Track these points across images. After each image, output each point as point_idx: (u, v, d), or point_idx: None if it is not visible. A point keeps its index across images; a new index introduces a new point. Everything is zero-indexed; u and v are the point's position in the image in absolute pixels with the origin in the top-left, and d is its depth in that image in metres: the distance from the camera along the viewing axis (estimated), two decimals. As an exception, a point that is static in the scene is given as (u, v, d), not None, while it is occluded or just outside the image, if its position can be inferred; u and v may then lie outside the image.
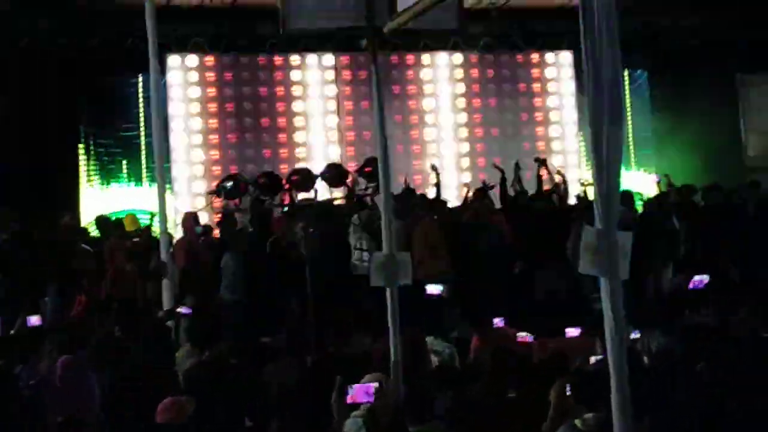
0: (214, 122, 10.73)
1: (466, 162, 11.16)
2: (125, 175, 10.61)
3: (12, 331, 6.19)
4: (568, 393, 3.90)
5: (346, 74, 10.86)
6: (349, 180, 8.31)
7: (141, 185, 10.53)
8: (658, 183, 9.65)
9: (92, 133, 10.52)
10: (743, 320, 4.54)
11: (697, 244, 8.74)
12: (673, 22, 10.71)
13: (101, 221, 8.86)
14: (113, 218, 9.01)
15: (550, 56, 11.36)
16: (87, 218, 9.72)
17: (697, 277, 7.33)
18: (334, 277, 7.51)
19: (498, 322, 5.93)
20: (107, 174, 10.58)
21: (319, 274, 6.85)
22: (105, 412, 4.55)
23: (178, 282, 7.18)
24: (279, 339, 5.34)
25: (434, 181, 9.27)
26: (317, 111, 10.93)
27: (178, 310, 6.49)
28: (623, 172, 10.01)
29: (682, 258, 8.47)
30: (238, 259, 7.76)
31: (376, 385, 4.21)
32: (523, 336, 5.68)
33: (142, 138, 10.34)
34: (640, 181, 10.33)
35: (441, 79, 11.21)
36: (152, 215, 8.44)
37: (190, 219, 8.61)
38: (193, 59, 10.65)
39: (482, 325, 6.09)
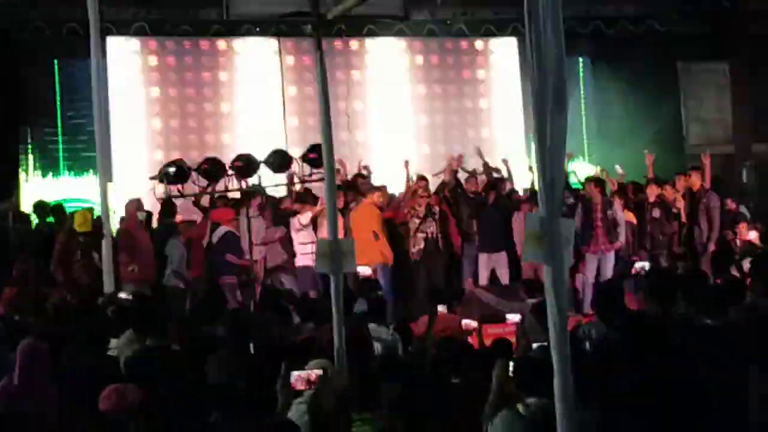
0: (156, 108, 10.71)
1: (410, 149, 11.25)
2: (69, 165, 10.45)
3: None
4: (510, 378, 3.98)
5: (291, 60, 10.88)
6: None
7: (83, 175, 10.39)
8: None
9: (36, 120, 10.35)
10: (682, 308, 4.68)
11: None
12: (617, 9, 10.94)
13: (39, 207, 8.79)
14: (52, 204, 8.94)
15: (494, 43, 11.55)
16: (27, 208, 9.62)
17: (638, 264, 7.55)
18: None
19: (441, 308, 6.03)
20: (50, 163, 10.41)
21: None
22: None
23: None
24: (221, 326, 5.31)
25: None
26: (261, 97, 10.94)
27: (119, 295, 6.42)
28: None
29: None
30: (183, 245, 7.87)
31: (319, 372, 4.24)
32: (468, 323, 5.78)
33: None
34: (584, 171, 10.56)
35: (385, 65, 11.31)
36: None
37: (133, 206, 8.59)
38: (134, 43, 10.56)
39: (427, 312, 6.20)
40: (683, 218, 9.15)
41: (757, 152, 11.50)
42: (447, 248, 8.90)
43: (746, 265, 8.03)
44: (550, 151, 3.00)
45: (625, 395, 4.17)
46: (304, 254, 8.31)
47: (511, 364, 4.06)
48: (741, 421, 4.19)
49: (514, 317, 5.36)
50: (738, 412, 4.18)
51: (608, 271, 8.56)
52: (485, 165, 9.84)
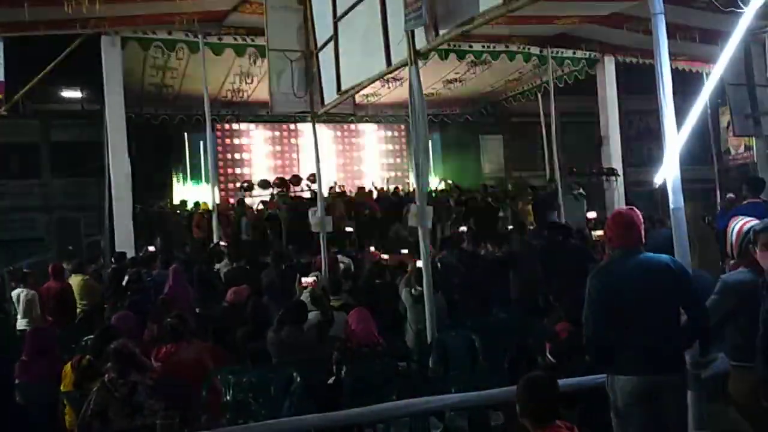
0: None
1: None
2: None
3: None
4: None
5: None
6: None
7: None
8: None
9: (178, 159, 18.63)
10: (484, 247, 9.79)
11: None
12: (452, 111, 20.01)
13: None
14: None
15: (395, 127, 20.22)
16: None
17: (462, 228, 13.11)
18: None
19: (371, 249, 11.20)
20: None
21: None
22: None
23: None
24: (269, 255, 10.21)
25: None
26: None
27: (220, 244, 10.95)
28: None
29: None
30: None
31: (314, 278, 8.51)
32: (384, 256, 10.91)
33: None
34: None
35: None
36: None
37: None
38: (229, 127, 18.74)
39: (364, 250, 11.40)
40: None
41: (515, 178, 21.00)
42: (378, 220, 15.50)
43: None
44: (422, 175, 6.63)
45: (458, 287, 8.66)
46: None
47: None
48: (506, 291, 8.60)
49: (405, 251, 10.41)
50: (505, 293, 8.70)
51: (447, 231, 14.43)
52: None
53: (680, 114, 4.23)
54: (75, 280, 9.14)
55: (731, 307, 3.86)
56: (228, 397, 5.16)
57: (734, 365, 3.92)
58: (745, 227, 4.05)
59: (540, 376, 3.48)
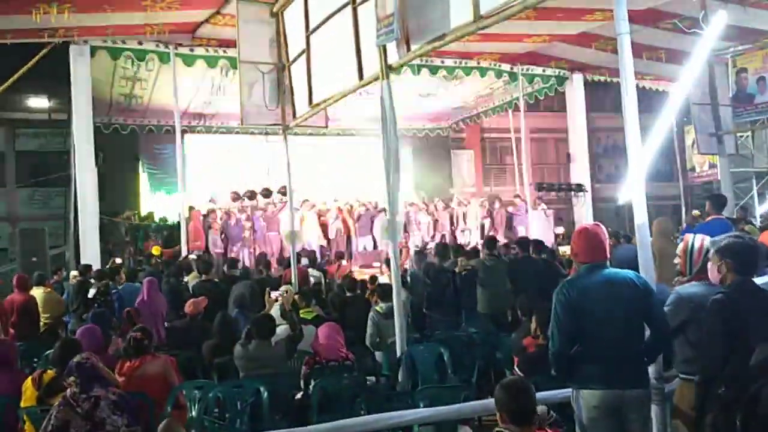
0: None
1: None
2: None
3: None
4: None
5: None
6: None
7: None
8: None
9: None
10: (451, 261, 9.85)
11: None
12: (418, 122, 19.73)
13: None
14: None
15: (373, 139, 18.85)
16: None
17: (430, 244, 13.19)
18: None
19: (344, 262, 11.18)
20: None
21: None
22: None
23: None
24: (239, 271, 10.12)
25: None
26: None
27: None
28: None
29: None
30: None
31: (283, 291, 8.75)
32: (354, 268, 10.95)
33: None
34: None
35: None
36: None
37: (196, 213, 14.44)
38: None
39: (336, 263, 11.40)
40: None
41: (486, 192, 20.77)
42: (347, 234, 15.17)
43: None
44: (392, 188, 6.62)
45: (428, 297, 8.85)
46: None
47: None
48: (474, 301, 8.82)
49: (377, 264, 10.46)
50: (473, 307, 8.81)
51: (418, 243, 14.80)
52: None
53: (647, 131, 4.32)
54: (37, 293, 8.96)
55: (683, 320, 3.89)
56: (193, 413, 5.09)
57: (683, 378, 3.94)
58: (706, 243, 4.11)
59: (518, 379, 3.47)
